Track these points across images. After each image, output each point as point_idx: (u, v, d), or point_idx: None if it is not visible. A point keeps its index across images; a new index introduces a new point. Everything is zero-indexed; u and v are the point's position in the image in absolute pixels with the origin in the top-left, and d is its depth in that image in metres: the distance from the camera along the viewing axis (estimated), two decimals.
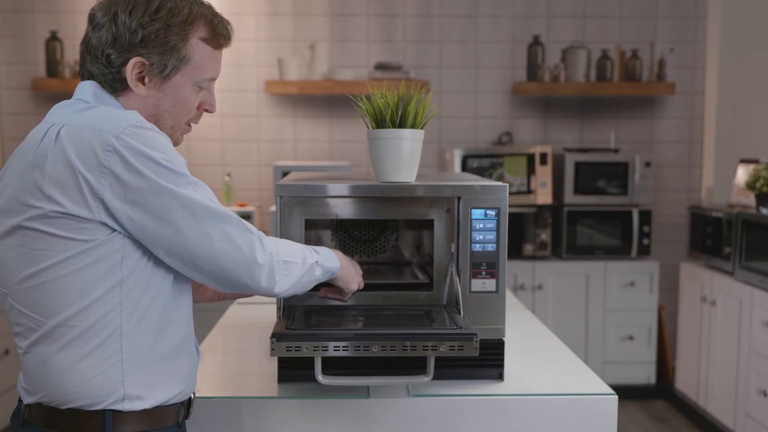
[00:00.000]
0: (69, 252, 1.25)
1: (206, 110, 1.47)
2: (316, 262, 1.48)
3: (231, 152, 4.64)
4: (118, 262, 1.27)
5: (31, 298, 1.27)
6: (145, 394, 1.32)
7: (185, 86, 1.39)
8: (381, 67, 4.47)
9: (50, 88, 4.41)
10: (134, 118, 1.28)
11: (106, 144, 1.23)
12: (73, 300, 1.26)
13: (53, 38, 4.39)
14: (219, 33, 1.42)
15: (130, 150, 1.23)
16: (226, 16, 1.47)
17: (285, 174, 3.41)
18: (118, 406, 1.29)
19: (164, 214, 1.26)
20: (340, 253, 1.60)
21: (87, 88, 1.36)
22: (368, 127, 1.75)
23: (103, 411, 1.29)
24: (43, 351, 1.28)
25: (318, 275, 1.50)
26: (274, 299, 1.78)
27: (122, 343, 1.29)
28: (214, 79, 1.45)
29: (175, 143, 1.43)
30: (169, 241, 1.27)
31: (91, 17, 1.36)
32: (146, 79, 1.36)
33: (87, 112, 1.30)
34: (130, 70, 1.34)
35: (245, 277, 1.33)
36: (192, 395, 1.47)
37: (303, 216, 1.73)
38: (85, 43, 1.37)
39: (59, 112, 1.32)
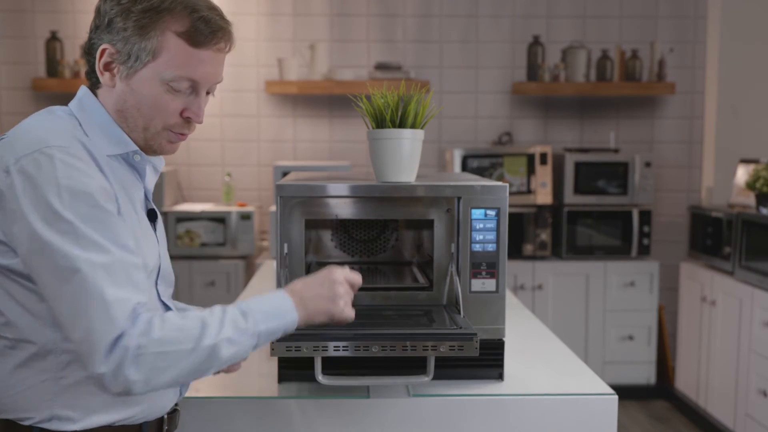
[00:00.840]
0: None
1: (189, 118, 1.31)
2: (227, 339, 1.17)
3: (231, 152, 4.64)
4: None
5: None
6: (78, 417, 1.23)
7: (152, 82, 1.26)
8: (381, 67, 4.47)
9: (50, 88, 4.41)
10: (53, 142, 1.17)
11: (5, 165, 1.16)
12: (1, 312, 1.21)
13: (53, 38, 4.39)
14: (198, 29, 1.26)
15: (23, 177, 1.14)
16: (226, 16, 1.35)
17: (285, 174, 3.41)
18: (46, 425, 1.22)
19: (32, 257, 1.14)
20: (311, 280, 1.34)
21: (78, 92, 1.33)
22: (368, 127, 1.74)
23: (31, 427, 1.22)
24: None
25: (242, 350, 1.20)
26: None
27: (54, 361, 1.21)
28: (196, 82, 1.29)
29: (159, 150, 1.33)
30: (39, 284, 1.16)
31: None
32: (115, 70, 1.27)
33: (30, 123, 1.25)
34: (98, 57, 1.27)
35: (86, 361, 1.12)
36: (165, 416, 1.37)
37: (303, 216, 1.73)
38: None
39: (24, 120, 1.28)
